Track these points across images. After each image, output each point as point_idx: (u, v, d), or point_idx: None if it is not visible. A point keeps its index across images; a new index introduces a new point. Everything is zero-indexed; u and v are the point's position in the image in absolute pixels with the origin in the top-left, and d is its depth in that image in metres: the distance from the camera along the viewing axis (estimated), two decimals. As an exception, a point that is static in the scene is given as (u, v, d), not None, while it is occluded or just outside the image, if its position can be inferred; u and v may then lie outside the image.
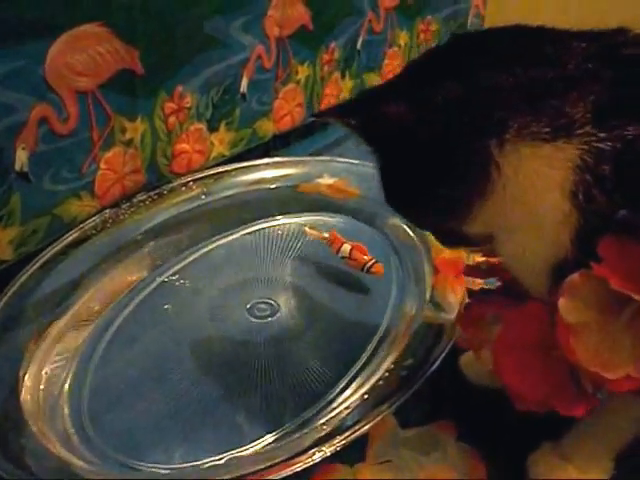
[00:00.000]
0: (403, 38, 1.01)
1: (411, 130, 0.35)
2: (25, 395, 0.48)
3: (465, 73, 0.34)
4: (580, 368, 0.35)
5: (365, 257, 0.61)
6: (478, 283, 0.52)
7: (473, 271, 0.50)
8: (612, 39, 0.34)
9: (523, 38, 0.35)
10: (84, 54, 0.56)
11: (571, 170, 0.31)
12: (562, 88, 0.32)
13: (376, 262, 0.60)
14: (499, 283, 0.46)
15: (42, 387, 0.49)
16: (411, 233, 0.63)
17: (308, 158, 0.78)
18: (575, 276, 0.33)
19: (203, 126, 0.73)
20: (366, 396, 0.46)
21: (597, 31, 0.34)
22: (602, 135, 0.31)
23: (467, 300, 0.51)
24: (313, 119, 0.87)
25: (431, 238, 0.61)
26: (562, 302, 0.33)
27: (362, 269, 0.60)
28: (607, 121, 0.31)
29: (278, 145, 0.85)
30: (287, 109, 0.85)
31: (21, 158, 0.54)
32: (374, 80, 0.98)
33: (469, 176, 0.34)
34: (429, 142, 0.35)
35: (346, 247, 0.61)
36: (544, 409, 0.37)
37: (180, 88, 0.67)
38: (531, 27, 0.36)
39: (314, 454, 0.41)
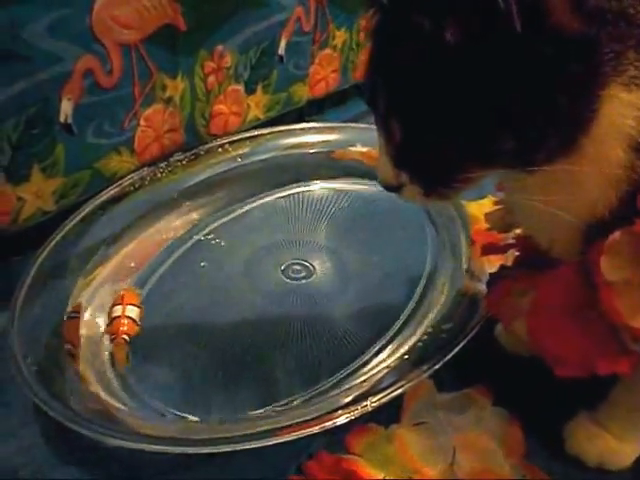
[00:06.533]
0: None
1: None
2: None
3: None
4: (623, 325, 0.35)
5: None
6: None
7: (490, 249, 0.50)
8: None
9: None
10: (130, 7, 0.56)
11: None
12: None
13: None
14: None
15: (82, 333, 0.50)
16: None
17: (344, 125, 0.77)
18: (617, 234, 0.33)
19: (241, 88, 0.72)
20: (406, 356, 0.47)
21: None
22: None
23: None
24: (347, 86, 0.86)
25: (468, 209, 0.62)
26: (604, 261, 0.34)
27: None
28: None
29: (312, 111, 0.84)
30: (322, 74, 0.83)
31: (66, 109, 0.54)
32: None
33: (569, 118, 0.31)
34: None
35: None
36: (585, 372, 0.37)
37: (220, 47, 0.67)
38: None
39: (354, 410, 0.41)
